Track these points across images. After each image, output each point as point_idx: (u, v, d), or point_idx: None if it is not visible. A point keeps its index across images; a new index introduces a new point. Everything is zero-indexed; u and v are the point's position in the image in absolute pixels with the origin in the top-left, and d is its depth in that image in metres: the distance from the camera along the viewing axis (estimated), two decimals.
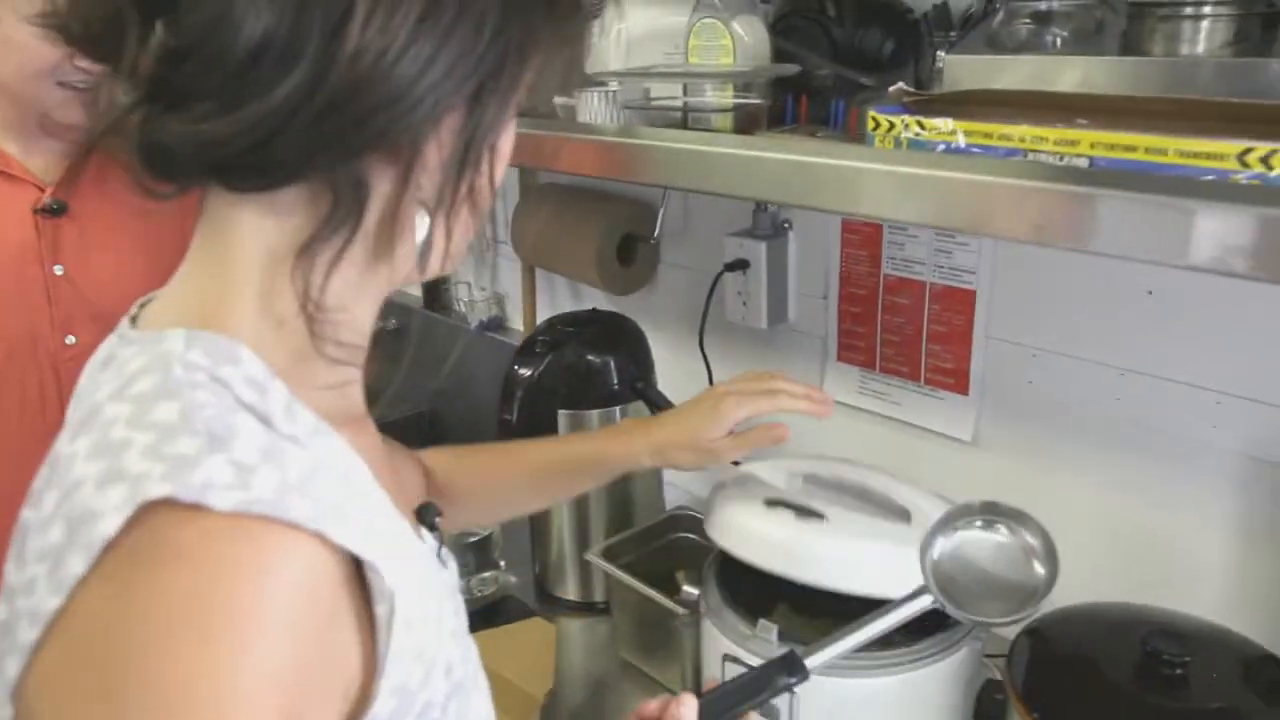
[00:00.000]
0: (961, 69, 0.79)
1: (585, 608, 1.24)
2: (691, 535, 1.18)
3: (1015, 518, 0.71)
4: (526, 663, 1.05)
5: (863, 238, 1.15)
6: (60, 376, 0.99)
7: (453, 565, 0.64)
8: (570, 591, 1.26)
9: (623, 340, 1.21)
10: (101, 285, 1.01)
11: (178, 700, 0.39)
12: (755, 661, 0.82)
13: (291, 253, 0.47)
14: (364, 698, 0.47)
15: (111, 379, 0.47)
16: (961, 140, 0.68)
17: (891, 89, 0.77)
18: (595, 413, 1.18)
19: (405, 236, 0.50)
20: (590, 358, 1.17)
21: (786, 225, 1.22)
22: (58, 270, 1.06)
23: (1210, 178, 0.57)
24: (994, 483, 1.10)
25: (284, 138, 0.43)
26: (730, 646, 0.84)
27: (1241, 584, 0.93)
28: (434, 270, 0.53)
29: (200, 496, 0.40)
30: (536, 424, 1.16)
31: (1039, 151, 0.65)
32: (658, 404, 1.19)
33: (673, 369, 1.31)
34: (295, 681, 0.42)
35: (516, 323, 1.75)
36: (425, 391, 2.00)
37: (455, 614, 0.57)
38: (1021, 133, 0.66)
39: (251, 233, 0.48)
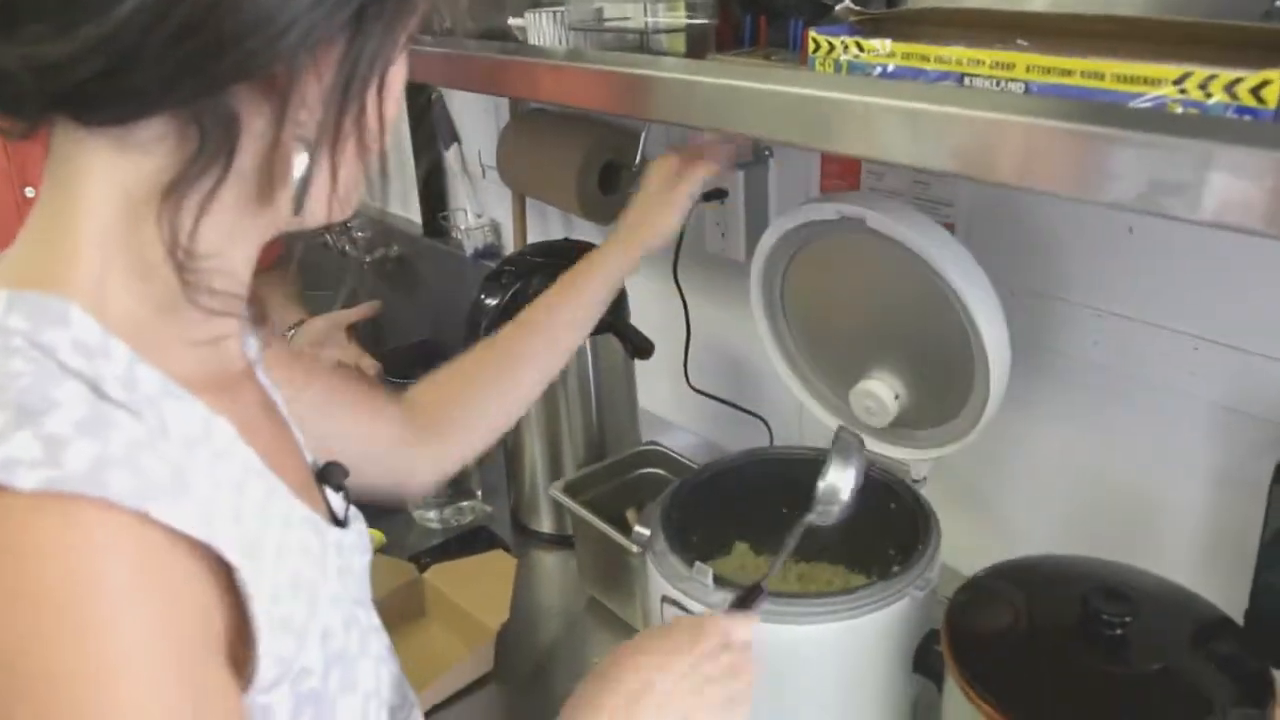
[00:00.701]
0: None
1: (559, 541, 1.23)
2: (660, 471, 1.16)
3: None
4: (484, 595, 1.04)
5: (842, 167, 1.09)
6: None
7: (358, 526, 0.61)
8: (544, 524, 1.26)
9: None
10: None
11: (65, 692, 0.37)
12: (693, 605, 0.81)
13: (154, 195, 0.44)
14: (245, 664, 0.46)
15: None
16: (893, 64, 0.63)
17: (839, 7, 0.72)
18: None
19: (285, 177, 0.47)
20: None
21: (768, 153, 1.17)
22: (29, 192, 1.06)
23: (1146, 103, 0.52)
24: None
25: (133, 64, 0.40)
26: (667, 589, 0.82)
27: (1214, 539, 0.89)
28: (319, 216, 0.50)
29: (2, 476, 0.37)
30: None
31: (975, 75, 0.60)
32: (630, 339, 1.16)
33: (650, 301, 1.28)
34: (174, 649, 0.40)
35: (512, 250, 1.72)
36: (427, 318, 1.99)
37: (339, 577, 0.54)
38: (958, 55, 0.61)
39: (104, 173, 0.44)
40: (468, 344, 1.14)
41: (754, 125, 0.67)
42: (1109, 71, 0.54)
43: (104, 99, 0.42)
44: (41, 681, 0.37)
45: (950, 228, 1.00)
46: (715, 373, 1.33)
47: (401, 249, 2.03)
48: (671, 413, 1.46)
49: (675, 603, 0.82)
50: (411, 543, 1.24)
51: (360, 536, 0.61)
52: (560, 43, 0.88)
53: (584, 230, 1.51)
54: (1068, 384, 0.96)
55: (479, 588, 1.06)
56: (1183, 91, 0.50)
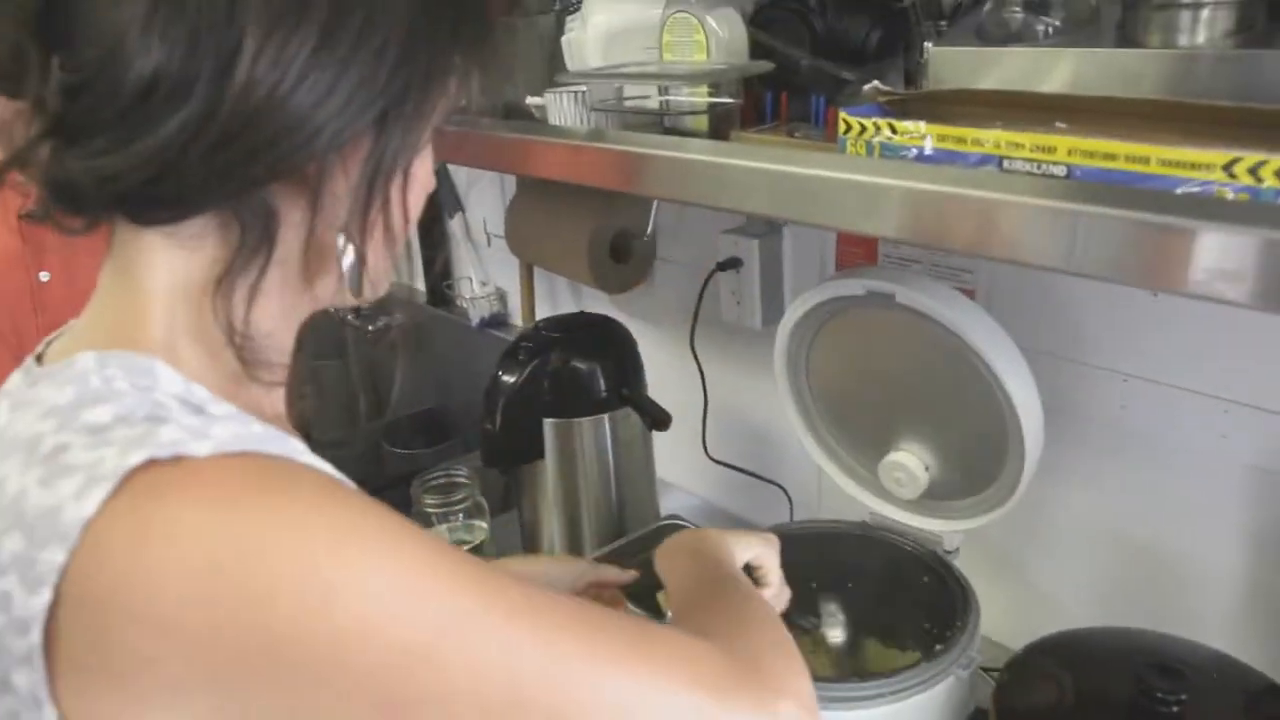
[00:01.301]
0: (946, 62, 0.74)
1: None
2: None
3: None
4: None
5: (858, 237, 1.10)
6: None
7: None
8: None
9: (610, 345, 1.17)
10: (88, 292, 1.00)
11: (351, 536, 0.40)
12: None
13: (209, 283, 0.48)
14: None
15: (22, 414, 0.46)
16: (929, 146, 0.63)
17: (866, 87, 0.72)
18: (584, 421, 1.15)
19: (323, 263, 0.50)
20: (576, 364, 1.13)
21: (781, 222, 1.18)
22: (43, 277, 1.05)
23: (1194, 189, 0.52)
24: None
25: (178, 171, 0.43)
26: None
27: (1251, 602, 0.88)
28: (351, 298, 0.53)
29: (177, 450, 0.40)
30: (520, 433, 1.13)
31: (1013, 158, 0.60)
32: (647, 411, 1.15)
33: (667, 371, 1.27)
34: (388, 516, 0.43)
35: (519, 319, 1.72)
36: (431, 388, 1.98)
37: None
38: (996, 138, 0.61)
39: (162, 265, 0.48)
40: (487, 421, 1.14)
41: (786, 210, 0.67)
42: (1155, 156, 0.54)
43: (153, 202, 0.46)
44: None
45: (970, 293, 1.00)
46: (734, 441, 1.32)
47: (405, 317, 2.02)
48: (691, 482, 1.45)
49: None
50: None
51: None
52: (581, 122, 0.88)
53: (592, 299, 1.51)
54: (1097, 448, 0.95)
55: None
56: (1232, 176, 0.51)
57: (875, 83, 0.71)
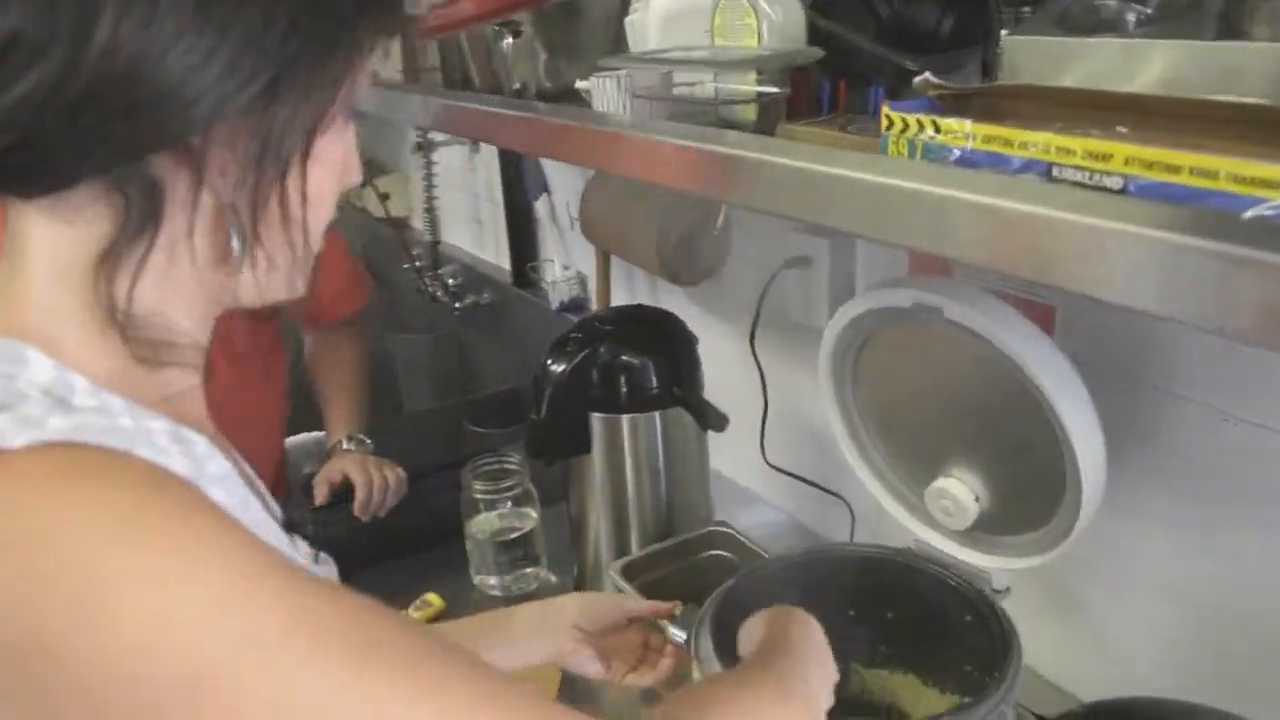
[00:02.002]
0: (1023, 53, 0.67)
1: None
2: (728, 554, 1.10)
3: None
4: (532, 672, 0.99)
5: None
6: None
7: (327, 569, 0.62)
8: None
9: (665, 340, 1.12)
10: None
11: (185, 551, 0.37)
12: None
13: (94, 260, 0.45)
14: None
15: None
16: (969, 145, 0.56)
17: (917, 80, 0.65)
18: (637, 417, 1.11)
19: (217, 244, 0.48)
20: (627, 358, 1.09)
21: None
22: None
23: (1266, 212, 0.43)
24: None
25: (41, 135, 0.42)
26: None
27: None
28: (252, 286, 0.50)
29: None
30: (566, 426, 1.09)
31: (1063, 165, 0.53)
32: (699, 411, 1.10)
33: (733, 369, 1.22)
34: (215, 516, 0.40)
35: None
36: (511, 368, 1.97)
37: None
38: (1046, 141, 0.53)
39: (45, 242, 0.46)
40: (533, 411, 1.11)
41: (808, 212, 0.61)
42: (1224, 170, 0.46)
43: (24, 171, 0.44)
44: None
45: (1051, 310, 0.91)
46: (796, 447, 1.25)
47: (492, 297, 2.02)
48: (754, 482, 1.39)
49: None
50: (470, 609, 1.20)
51: (330, 573, 0.62)
52: (624, 109, 0.83)
53: (668, 290, 1.46)
54: (1183, 490, 0.85)
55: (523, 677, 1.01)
56: None
57: (927, 74, 0.64)
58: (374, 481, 1.28)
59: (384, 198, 2.21)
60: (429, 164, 2.10)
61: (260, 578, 0.37)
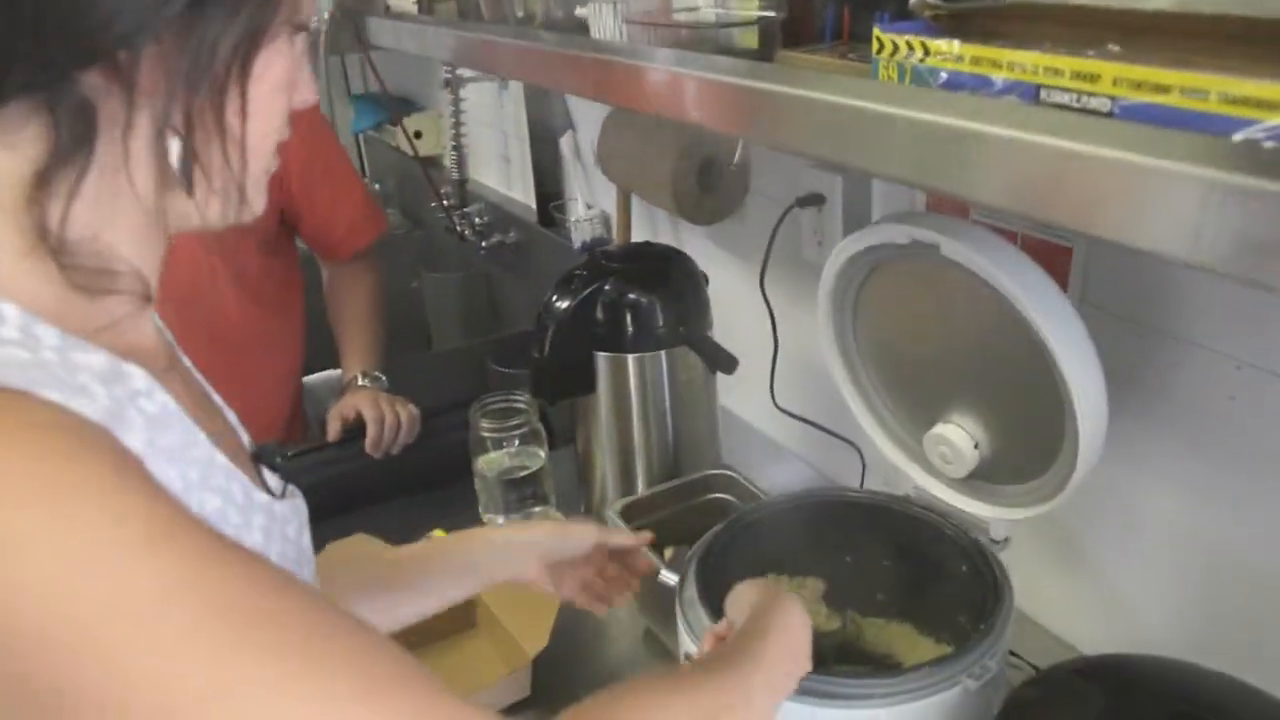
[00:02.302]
0: None
1: None
2: (729, 497, 1.08)
3: None
4: (529, 618, 0.99)
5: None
6: None
7: (295, 503, 0.60)
8: None
9: (673, 279, 1.10)
10: None
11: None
12: None
13: (27, 183, 0.44)
14: None
15: None
16: (958, 67, 0.52)
17: (914, 1, 0.61)
18: (643, 357, 1.09)
19: (148, 166, 0.46)
20: (633, 296, 1.07)
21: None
22: None
23: (1259, 134, 0.40)
24: None
25: None
26: (689, 645, 0.74)
27: None
28: (193, 210, 0.49)
29: None
30: (569, 363, 1.08)
31: (1052, 87, 0.49)
32: (706, 352, 1.08)
33: (748, 309, 1.19)
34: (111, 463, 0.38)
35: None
36: (535, 308, 1.96)
37: (264, 535, 0.53)
38: (1034, 61, 0.50)
39: None
40: (535, 349, 1.10)
41: (795, 140, 0.58)
42: (1215, 89, 0.42)
43: None
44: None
45: (1068, 251, 0.87)
46: (806, 389, 1.23)
47: (518, 235, 2.01)
48: (765, 424, 1.37)
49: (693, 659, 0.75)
50: None
51: (296, 513, 0.59)
52: (620, 36, 0.80)
53: (690, 229, 1.43)
54: (1193, 441, 0.81)
55: (525, 610, 1.01)
56: None
57: None
58: (386, 419, 1.29)
59: (415, 136, 2.20)
60: (457, 100, 2.07)
61: (149, 541, 0.35)
